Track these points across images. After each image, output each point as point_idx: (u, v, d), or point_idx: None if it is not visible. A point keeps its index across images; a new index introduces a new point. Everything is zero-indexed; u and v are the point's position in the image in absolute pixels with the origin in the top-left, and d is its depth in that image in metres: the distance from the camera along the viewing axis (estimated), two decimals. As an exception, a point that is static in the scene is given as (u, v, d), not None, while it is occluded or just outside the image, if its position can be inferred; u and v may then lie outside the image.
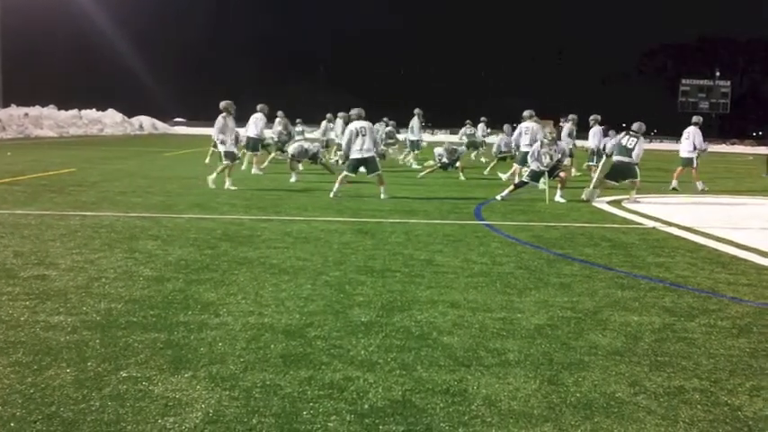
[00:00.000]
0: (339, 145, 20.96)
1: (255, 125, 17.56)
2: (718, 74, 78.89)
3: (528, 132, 15.41)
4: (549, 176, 12.67)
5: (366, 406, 3.39)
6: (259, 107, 17.75)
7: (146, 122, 57.74)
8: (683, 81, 78.24)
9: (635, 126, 13.19)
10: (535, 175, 12.79)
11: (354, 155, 12.39)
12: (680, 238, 8.85)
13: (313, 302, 5.19)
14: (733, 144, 69.06)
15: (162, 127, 60.93)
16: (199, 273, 6.01)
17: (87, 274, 5.84)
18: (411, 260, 6.86)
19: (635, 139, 12.95)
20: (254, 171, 17.08)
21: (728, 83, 77.71)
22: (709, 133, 67.91)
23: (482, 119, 25.49)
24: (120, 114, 53.46)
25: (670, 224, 10.07)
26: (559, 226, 9.61)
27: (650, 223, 10.16)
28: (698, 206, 12.82)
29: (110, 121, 50.80)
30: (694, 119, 16.67)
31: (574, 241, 8.33)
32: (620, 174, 13.16)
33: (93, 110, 50.94)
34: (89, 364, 3.81)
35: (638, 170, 13.10)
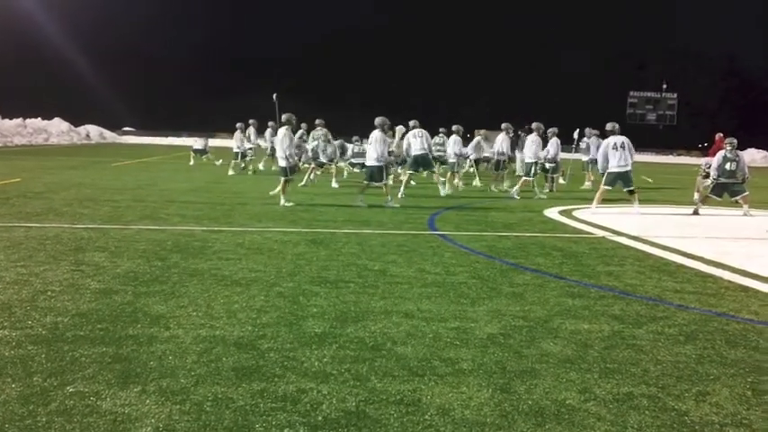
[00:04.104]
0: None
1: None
2: (665, 86, 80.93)
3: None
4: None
5: (320, 418, 3.37)
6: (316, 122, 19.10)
7: (93, 131, 56.46)
8: (631, 93, 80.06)
9: (734, 142, 13.89)
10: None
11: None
12: (629, 248, 9.03)
13: (266, 314, 5.14)
14: (679, 155, 70.89)
15: (110, 136, 59.71)
16: (148, 285, 5.91)
17: (32, 287, 5.69)
18: (365, 271, 6.86)
19: (736, 157, 13.63)
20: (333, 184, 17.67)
21: (675, 95, 79.83)
22: (657, 144, 69.45)
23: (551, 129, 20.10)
24: (67, 123, 52.18)
25: (619, 234, 10.28)
26: (512, 236, 9.73)
27: (599, 233, 10.36)
28: (645, 216, 13.11)
29: (56, 130, 49.53)
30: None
31: (526, 251, 8.44)
32: (724, 190, 13.80)
33: (39, 119, 49.66)
34: (35, 379, 3.71)
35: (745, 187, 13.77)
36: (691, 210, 13.92)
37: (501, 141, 18.44)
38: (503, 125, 18.65)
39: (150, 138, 63.94)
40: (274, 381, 3.82)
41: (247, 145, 22.14)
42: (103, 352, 4.18)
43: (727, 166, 13.62)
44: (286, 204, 12.44)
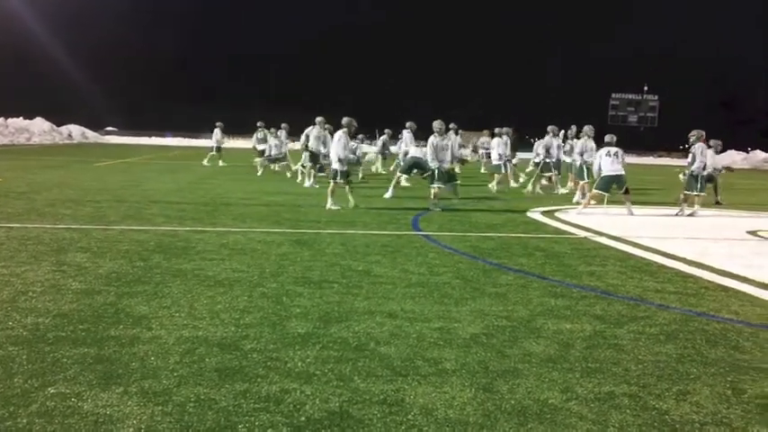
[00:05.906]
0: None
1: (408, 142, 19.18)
2: (646, 88, 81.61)
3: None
4: None
5: (303, 418, 3.37)
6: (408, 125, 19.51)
7: (75, 131, 56.02)
8: (613, 95, 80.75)
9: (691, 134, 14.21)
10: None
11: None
12: (610, 248, 9.09)
13: (249, 314, 5.13)
14: (660, 156, 71.47)
15: (93, 136, 59.24)
16: (131, 285, 5.87)
17: (13, 287, 5.64)
18: (349, 271, 6.86)
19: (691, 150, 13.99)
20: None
21: (656, 97, 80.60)
22: (637, 146, 69.93)
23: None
24: (49, 123, 51.73)
25: (601, 234, 10.35)
26: (495, 236, 9.76)
27: (582, 233, 10.42)
28: (627, 217, 13.20)
29: (37, 129, 49.11)
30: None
31: (509, 251, 8.47)
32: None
33: (20, 118, 49.21)
34: (15, 380, 3.68)
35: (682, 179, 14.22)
36: (684, 211, 13.97)
37: (551, 144, 18.56)
38: (549, 127, 18.75)
39: (133, 138, 63.55)
40: (257, 381, 3.82)
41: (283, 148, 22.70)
42: (85, 353, 4.15)
43: (689, 158, 14.12)
44: (332, 207, 12.30)
